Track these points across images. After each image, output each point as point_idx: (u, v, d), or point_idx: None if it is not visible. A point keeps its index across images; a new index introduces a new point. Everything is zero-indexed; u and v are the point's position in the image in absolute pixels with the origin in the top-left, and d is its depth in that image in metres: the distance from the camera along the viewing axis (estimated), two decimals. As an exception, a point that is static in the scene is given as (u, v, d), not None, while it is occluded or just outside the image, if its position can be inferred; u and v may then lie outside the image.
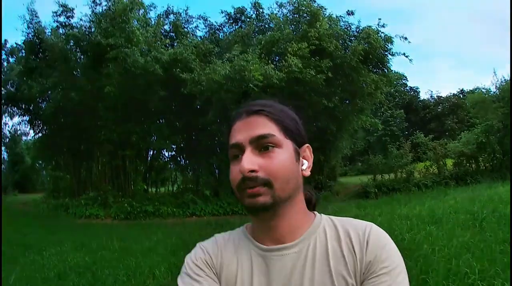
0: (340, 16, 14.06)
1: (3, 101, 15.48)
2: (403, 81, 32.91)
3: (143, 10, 13.77)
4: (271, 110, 0.74)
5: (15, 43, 18.34)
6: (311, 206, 0.82)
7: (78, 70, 14.47)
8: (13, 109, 16.52)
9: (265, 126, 0.72)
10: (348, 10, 14.03)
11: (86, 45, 13.28)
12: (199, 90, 11.52)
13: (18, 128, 22.67)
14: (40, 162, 22.90)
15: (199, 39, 15.17)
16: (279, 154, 0.70)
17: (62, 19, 14.44)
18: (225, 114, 12.18)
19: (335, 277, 0.70)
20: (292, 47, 11.82)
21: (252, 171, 0.69)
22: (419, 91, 39.97)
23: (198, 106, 12.75)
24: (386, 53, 13.51)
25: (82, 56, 14.38)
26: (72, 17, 14.50)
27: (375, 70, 13.95)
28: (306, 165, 0.76)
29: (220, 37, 15.51)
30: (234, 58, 11.65)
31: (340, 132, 15.07)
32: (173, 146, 14.79)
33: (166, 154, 16.97)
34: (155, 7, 16.63)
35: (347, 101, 14.18)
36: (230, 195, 13.72)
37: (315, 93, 12.14)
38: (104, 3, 13.60)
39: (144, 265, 5.28)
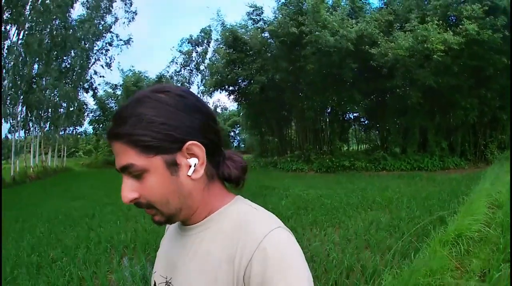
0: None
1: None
2: None
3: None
4: (125, 131, 0.76)
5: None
6: (234, 183, 0.90)
7: (270, 55, 20.97)
8: (221, 91, 24.86)
9: (124, 155, 0.77)
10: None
11: (280, 34, 18.62)
12: (385, 61, 15.98)
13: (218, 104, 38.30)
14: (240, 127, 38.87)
15: (374, 10, 19.72)
16: (148, 180, 0.77)
17: (254, 16, 21.47)
18: (409, 77, 16.71)
19: (203, 276, 0.80)
20: (466, 11, 15.11)
21: (133, 199, 0.78)
22: None
23: (384, 73, 16.89)
24: None
25: (274, 43, 20.28)
26: (262, 13, 21.39)
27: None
28: (192, 169, 0.79)
29: (397, 4, 19.19)
30: (414, 28, 15.76)
31: (523, 90, 17.63)
32: (363, 109, 19.58)
33: (351, 116, 22.62)
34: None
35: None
36: (416, 152, 18.37)
37: (494, 51, 15.13)
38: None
39: (366, 197, 10.32)
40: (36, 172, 22.35)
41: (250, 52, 21.54)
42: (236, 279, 0.74)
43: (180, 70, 33.97)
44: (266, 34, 21.11)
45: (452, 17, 16.91)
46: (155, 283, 0.92)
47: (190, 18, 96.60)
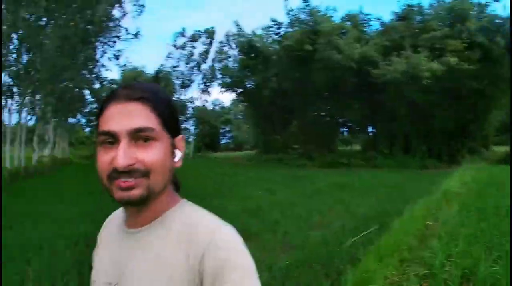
0: (487, 2, 23.02)
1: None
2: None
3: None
4: (153, 99, 0.85)
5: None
6: (177, 188, 0.99)
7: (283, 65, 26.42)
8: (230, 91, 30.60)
9: (146, 118, 0.83)
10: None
11: (296, 49, 24.11)
12: (383, 80, 21.91)
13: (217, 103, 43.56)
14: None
15: (374, 32, 26.11)
16: (156, 148, 0.84)
17: (273, 29, 27.26)
18: (398, 93, 22.62)
19: (160, 275, 0.85)
20: (450, 46, 21.25)
21: (130, 164, 0.81)
22: None
23: (379, 88, 22.88)
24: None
25: (288, 55, 25.50)
26: (281, 27, 27.12)
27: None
28: (178, 156, 0.91)
29: (393, 31, 25.04)
30: (408, 56, 21.57)
31: (489, 108, 24.80)
32: (359, 115, 25.93)
33: (340, 120, 29.21)
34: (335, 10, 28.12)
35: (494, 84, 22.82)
36: (401, 154, 24.54)
37: (468, 78, 21.26)
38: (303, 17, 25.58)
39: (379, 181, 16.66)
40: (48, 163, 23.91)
41: (263, 60, 27.12)
42: (193, 275, 0.83)
43: (177, 66, 37.85)
44: (277, 46, 26.81)
45: (437, 51, 22.73)
46: None
47: (178, 11, 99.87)
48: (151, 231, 0.90)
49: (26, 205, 10.11)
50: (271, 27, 27.80)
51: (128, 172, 0.81)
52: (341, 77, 23.27)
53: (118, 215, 1.02)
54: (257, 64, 27.14)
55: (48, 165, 23.07)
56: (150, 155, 0.83)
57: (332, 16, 25.89)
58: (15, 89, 18.76)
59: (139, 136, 0.83)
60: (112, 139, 0.83)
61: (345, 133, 31.82)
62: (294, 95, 26.22)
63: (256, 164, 26.94)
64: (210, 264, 0.81)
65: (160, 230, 0.90)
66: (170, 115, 0.89)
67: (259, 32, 28.25)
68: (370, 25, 27.08)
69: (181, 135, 0.92)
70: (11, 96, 18.70)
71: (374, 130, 28.07)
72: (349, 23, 25.76)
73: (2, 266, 4.88)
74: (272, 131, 30.31)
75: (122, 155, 0.80)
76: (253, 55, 27.62)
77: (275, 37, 27.97)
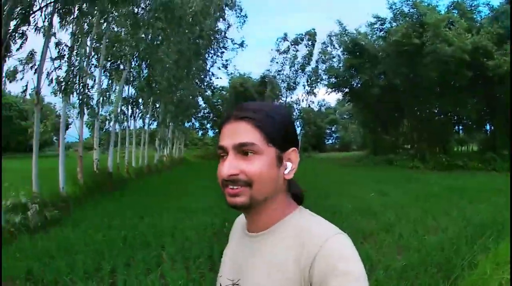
0: None
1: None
2: None
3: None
4: (257, 117, 0.97)
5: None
6: (299, 200, 1.08)
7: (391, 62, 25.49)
8: (336, 92, 30.80)
9: (248, 134, 0.96)
10: None
11: (404, 44, 23.27)
12: (500, 71, 20.43)
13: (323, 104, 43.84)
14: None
15: (483, 19, 24.51)
16: (259, 160, 0.95)
17: (377, 26, 26.89)
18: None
19: (272, 276, 0.95)
20: None
21: (233, 174, 0.95)
22: None
23: (495, 81, 21.42)
24: None
25: (395, 51, 24.67)
26: (384, 23, 26.65)
27: None
28: (289, 168, 1.01)
29: (504, 16, 23.08)
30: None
31: None
32: (475, 112, 24.38)
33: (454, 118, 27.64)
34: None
35: None
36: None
37: None
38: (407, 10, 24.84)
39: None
40: (167, 161, 27.03)
41: (369, 58, 26.83)
42: (303, 277, 0.90)
43: (281, 70, 39.21)
44: (382, 42, 26.51)
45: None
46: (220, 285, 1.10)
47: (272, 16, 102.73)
48: (267, 236, 1.01)
49: (151, 198, 11.43)
50: (374, 23, 27.53)
51: (233, 180, 0.95)
52: (453, 70, 22.08)
53: (243, 217, 1.14)
54: (363, 62, 26.86)
55: (167, 164, 25.96)
56: (252, 166, 0.95)
57: (437, 6, 25.02)
58: (139, 100, 21.35)
59: (243, 150, 0.95)
60: (224, 153, 0.98)
61: (460, 132, 30.23)
62: (404, 93, 25.57)
63: (365, 164, 26.70)
64: (319, 269, 0.88)
65: (276, 236, 1.00)
66: (277, 131, 0.98)
67: (363, 30, 28.17)
68: (479, 12, 25.56)
69: (292, 148, 1.02)
70: (136, 106, 21.24)
71: (492, 128, 26.25)
72: (455, 11, 24.73)
73: (138, 249, 5.83)
74: (380, 131, 29.96)
75: (226, 166, 0.95)
76: (358, 53, 27.44)
77: (380, 33, 27.59)
